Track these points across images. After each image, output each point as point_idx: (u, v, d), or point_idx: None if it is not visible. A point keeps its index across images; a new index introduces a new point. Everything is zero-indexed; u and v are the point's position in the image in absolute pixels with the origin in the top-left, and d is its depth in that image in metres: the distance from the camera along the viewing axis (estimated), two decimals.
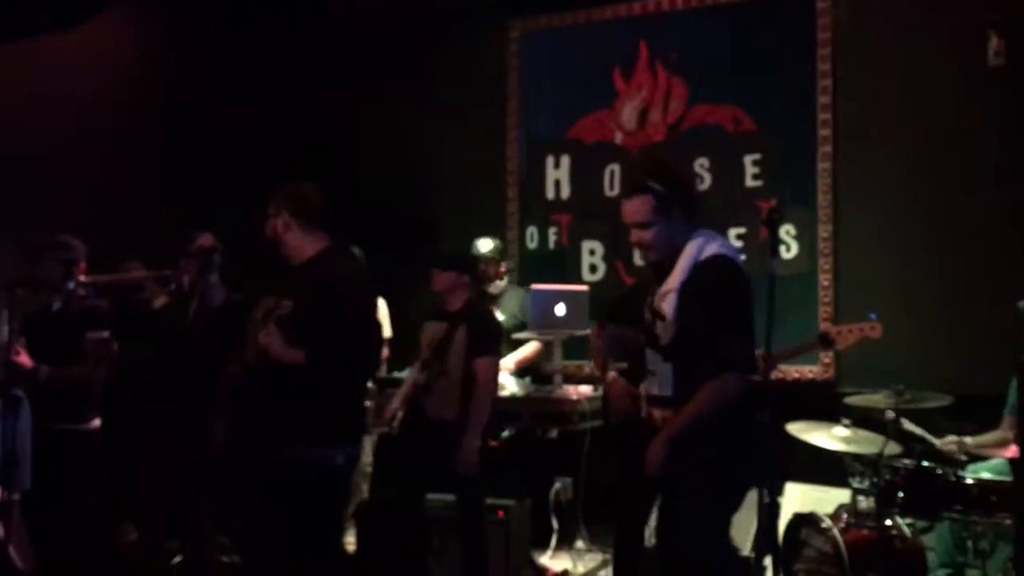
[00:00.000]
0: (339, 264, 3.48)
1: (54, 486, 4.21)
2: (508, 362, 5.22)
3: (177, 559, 4.46)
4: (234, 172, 5.98)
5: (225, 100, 6.29)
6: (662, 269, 3.13)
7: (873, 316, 4.02)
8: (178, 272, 3.74)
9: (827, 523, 4.09)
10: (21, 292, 4.01)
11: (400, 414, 4.53)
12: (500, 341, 4.54)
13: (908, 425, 4.30)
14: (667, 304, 3.02)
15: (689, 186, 3.22)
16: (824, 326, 4.24)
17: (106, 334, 4.25)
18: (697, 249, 3.07)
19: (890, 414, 4.17)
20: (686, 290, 3.01)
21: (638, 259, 5.91)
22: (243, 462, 3.34)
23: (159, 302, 4.03)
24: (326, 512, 3.40)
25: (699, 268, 3.04)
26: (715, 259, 3.05)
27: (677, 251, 3.08)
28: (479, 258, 5.40)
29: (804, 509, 4.46)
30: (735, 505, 3.20)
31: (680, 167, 3.17)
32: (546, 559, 5.20)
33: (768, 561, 3.85)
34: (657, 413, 3.09)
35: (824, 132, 5.51)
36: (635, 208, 3.06)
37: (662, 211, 3.05)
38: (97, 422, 4.36)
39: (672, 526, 3.16)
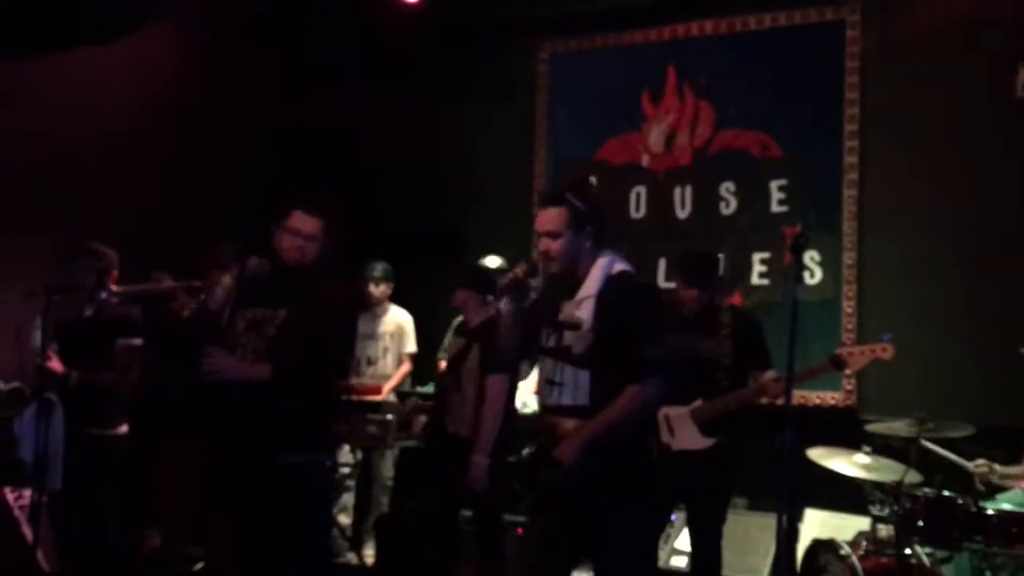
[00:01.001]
0: (325, 274, 3.54)
1: (81, 490, 4.28)
2: (530, 382, 5.24)
3: (199, 565, 4.51)
4: (265, 184, 6.07)
5: (257, 113, 6.39)
6: (564, 284, 3.18)
7: (886, 337, 4.00)
8: (208, 282, 3.80)
9: (846, 550, 4.08)
10: (54, 299, 4.11)
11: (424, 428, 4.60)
12: (512, 359, 4.56)
13: (938, 449, 4.27)
14: (583, 311, 3.06)
15: (603, 212, 3.26)
16: (839, 349, 4.22)
17: (136, 341, 4.33)
18: (608, 265, 3.15)
19: (923, 443, 4.16)
20: (604, 298, 3.07)
21: (662, 280, 5.95)
22: (240, 468, 3.38)
23: (188, 312, 4.10)
24: (319, 515, 3.51)
25: (615, 279, 3.12)
26: (629, 274, 3.20)
27: (578, 267, 3.14)
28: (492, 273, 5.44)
29: (823, 535, 4.46)
30: (652, 519, 3.28)
31: (598, 195, 3.26)
32: None
33: None
34: (568, 423, 3.06)
35: (851, 159, 5.53)
36: (550, 217, 3.12)
37: (574, 225, 3.12)
38: (125, 428, 4.43)
39: (597, 541, 3.10)
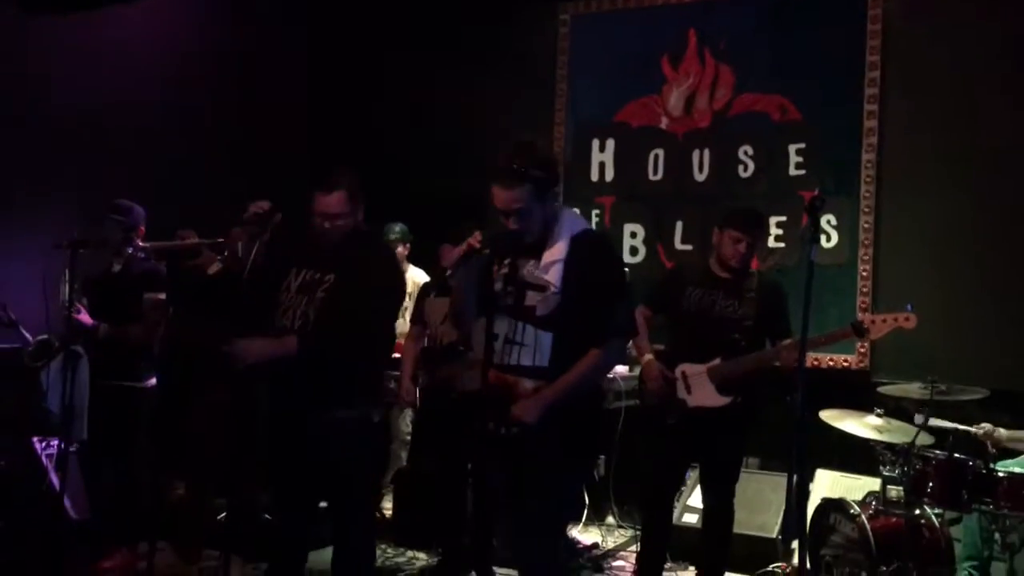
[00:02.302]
0: (374, 238, 3.59)
1: (109, 440, 4.39)
2: None
3: (223, 515, 4.62)
4: (288, 147, 6.12)
5: (279, 77, 6.43)
6: (521, 242, 3.12)
7: (909, 307, 4.02)
8: (231, 239, 3.84)
9: (855, 509, 4.13)
10: (81, 253, 4.17)
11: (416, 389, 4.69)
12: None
13: (937, 422, 4.31)
14: (552, 275, 3.03)
15: (557, 168, 3.23)
16: (860, 315, 4.23)
17: (163, 296, 4.40)
18: (569, 223, 3.13)
19: (919, 418, 4.20)
20: (572, 261, 3.05)
21: (679, 243, 5.99)
22: (290, 422, 3.45)
23: (213, 268, 4.16)
24: (367, 468, 3.59)
25: (581, 242, 3.10)
26: (592, 233, 3.20)
27: (547, 228, 3.12)
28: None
29: (834, 495, 4.51)
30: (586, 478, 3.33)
31: (548, 148, 3.17)
32: (576, 532, 5.31)
33: (795, 544, 3.92)
34: (527, 383, 3.03)
35: (870, 124, 5.52)
36: (514, 197, 3.05)
37: (537, 195, 3.07)
38: (153, 380, 4.52)
39: (528, 494, 3.08)
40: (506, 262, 3.15)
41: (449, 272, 3.43)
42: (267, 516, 4.37)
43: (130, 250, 4.41)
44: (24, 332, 4.51)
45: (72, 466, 4.44)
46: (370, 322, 3.43)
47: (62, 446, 4.22)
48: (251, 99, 6.20)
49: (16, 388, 4.85)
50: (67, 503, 4.63)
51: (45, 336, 4.44)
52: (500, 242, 3.20)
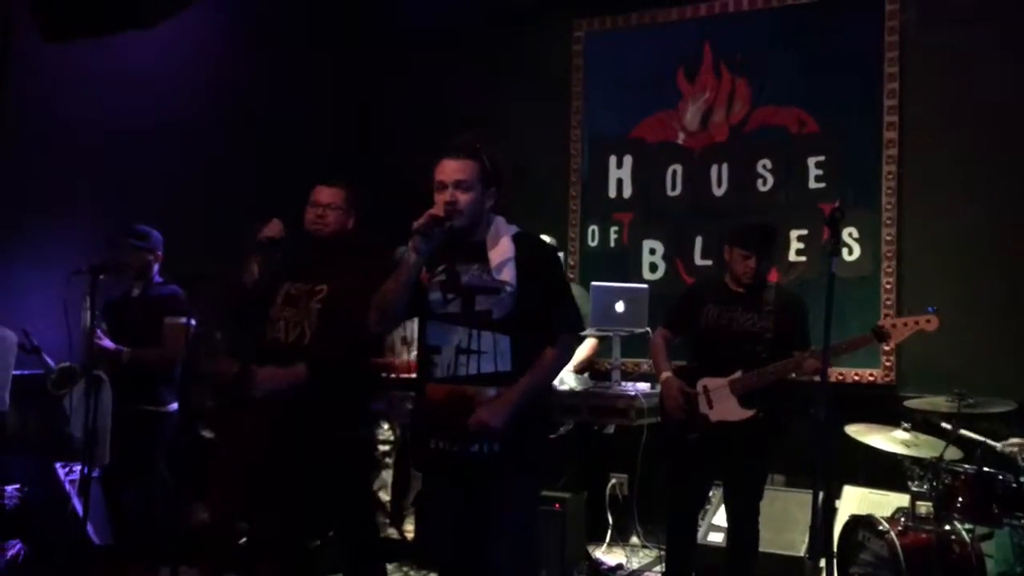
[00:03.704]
0: (372, 248, 3.60)
1: (129, 465, 4.39)
2: (567, 364, 5.28)
3: (244, 540, 4.60)
4: (307, 170, 6.13)
5: (300, 93, 6.47)
6: (456, 246, 3.00)
7: (931, 309, 3.95)
8: (244, 264, 3.87)
9: (884, 526, 4.07)
10: (100, 279, 4.20)
11: None
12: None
13: (967, 433, 4.25)
14: (507, 274, 2.94)
15: (505, 171, 3.10)
16: (881, 321, 4.16)
17: (183, 320, 4.41)
18: (504, 225, 3.06)
19: (946, 426, 4.13)
20: (522, 258, 2.97)
21: (698, 258, 5.95)
22: (293, 444, 3.45)
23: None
24: (366, 485, 3.56)
25: (523, 240, 3.03)
26: (528, 232, 3.12)
27: (477, 226, 3.01)
28: None
29: (862, 512, 4.45)
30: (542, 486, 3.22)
31: (503, 161, 3.10)
32: (601, 553, 5.26)
33: (823, 563, 3.86)
34: (490, 391, 2.91)
35: (890, 135, 5.48)
36: (461, 168, 2.97)
37: (483, 182, 3.00)
38: (174, 405, 4.53)
39: (494, 511, 2.95)
40: (440, 269, 3.01)
41: (407, 247, 2.96)
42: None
43: (150, 274, 4.45)
44: (47, 358, 4.53)
45: (95, 491, 4.45)
46: (361, 337, 3.41)
47: (85, 471, 4.24)
48: (271, 117, 6.23)
49: (39, 413, 4.87)
50: (90, 528, 4.63)
51: (67, 363, 4.46)
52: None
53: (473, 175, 2.99)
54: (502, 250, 2.97)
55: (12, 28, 4.61)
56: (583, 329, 3.15)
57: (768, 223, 4.60)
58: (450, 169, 2.99)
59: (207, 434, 4.80)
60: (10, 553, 4.64)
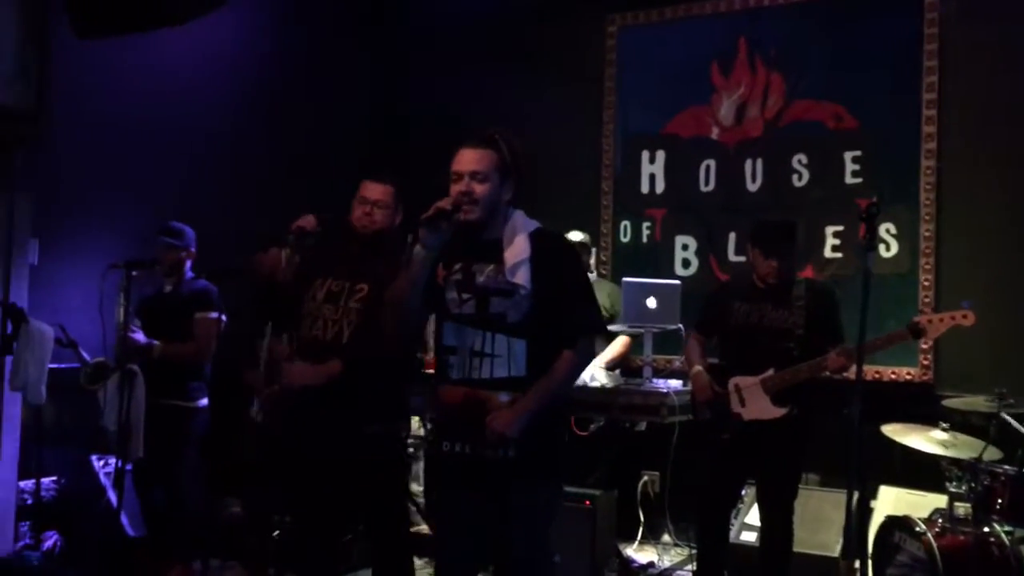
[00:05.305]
0: (398, 247, 3.58)
1: (160, 459, 4.43)
2: (599, 361, 5.27)
3: (277, 532, 4.63)
4: (342, 167, 6.16)
5: (332, 89, 6.50)
6: (472, 244, 2.90)
7: (966, 304, 3.87)
8: (267, 258, 3.88)
9: (921, 527, 4.01)
10: (136, 275, 4.25)
11: None
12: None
13: (1015, 424, 4.16)
14: (521, 276, 2.81)
15: (528, 170, 2.99)
16: (917, 317, 4.07)
17: (214, 315, 4.44)
18: (523, 222, 2.93)
19: (1004, 416, 4.02)
20: (538, 259, 2.84)
21: (732, 255, 5.89)
22: (324, 439, 3.45)
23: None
24: (400, 482, 3.55)
25: (541, 239, 2.90)
26: (549, 229, 2.97)
27: (494, 220, 2.89)
28: None
29: (898, 513, 4.38)
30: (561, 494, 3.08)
31: (527, 150, 2.93)
32: (632, 551, 5.23)
33: (858, 564, 3.81)
34: (502, 396, 2.81)
35: (928, 129, 5.38)
36: (478, 157, 2.86)
37: (501, 172, 2.88)
38: (204, 401, 4.56)
39: (512, 525, 2.86)
40: (456, 267, 2.91)
41: (411, 239, 2.85)
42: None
43: (183, 269, 4.48)
44: (82, 353, 4.58)
45: (129, 484, 4.51)
46: (402, 337, 3.36)
47: (119, 464, 4.29)
48: (300, 114, 6.26)
49: (76, 406, 4.94)
50: (124, 520, 4.69)
51: (101, 358, 4.51)
52: (447, 244, 2.89)
53: (490, 165, 2.87)
54: (517, 250, 2.85)
55: (49, 27, 4.66)
56: (605, 330, 3.04)
57: (787, 220, 4.54)
58: (466, 159, 2.88)
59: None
60: (47, 544, 4.71)
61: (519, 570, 2.91)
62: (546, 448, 2.88)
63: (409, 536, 3.74)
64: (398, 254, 3.43)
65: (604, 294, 5.55)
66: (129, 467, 4.38)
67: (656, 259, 6.11)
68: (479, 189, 2.86)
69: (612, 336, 5.46)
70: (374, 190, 3.52)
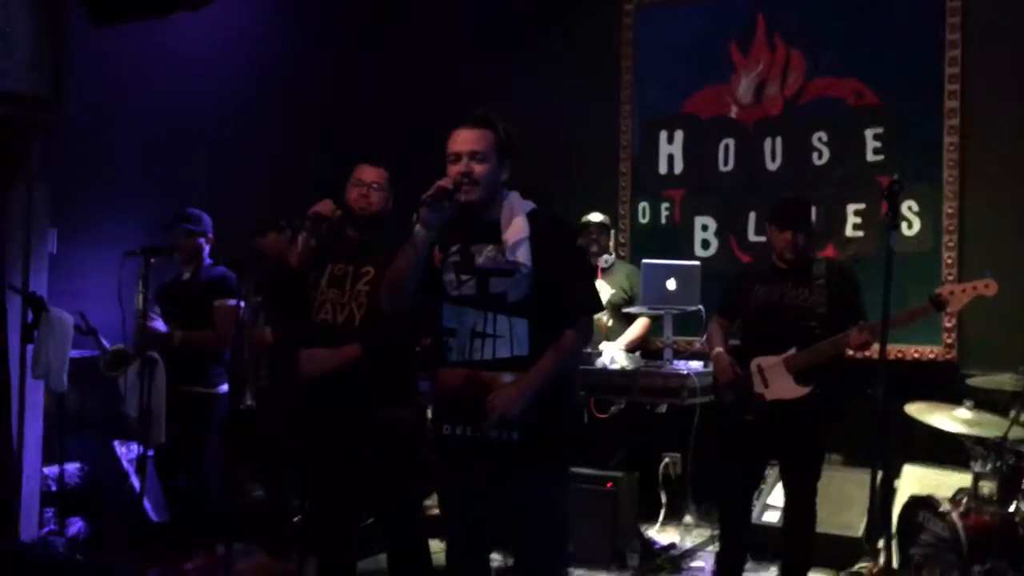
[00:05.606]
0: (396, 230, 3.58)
1: (182, 445, 4.45)
2: (619, 343, 5.25)
3: (298, 517, 4.65)
4: (357, 147, 6.15)
5: (347, 77, 6.47)
6: (469, 226, 2.88)
7: (988, 272, 3.80)
8: (265, 243, 3.89)
9: (946, 507, 3.97)
10: (155, 262, 4.26)
11: None
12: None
13: None
14: (522, 255, 2.79)
15: (521, 152, 2.94)
16: (938, 288, 4.01)
17: (233, 302, 4.45)
18: (519, 202, 2.91)
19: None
20: (537, 238, 2.82)
21: (752, 235, 5.84)
22: (340, 423, 3.45)
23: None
24: (413, 465, 3.54)
25: (539, 218, 2.88)
26: (545, 209, 2.95)
27: (492, 202, 2.87)
28: (589, 226, 5.46)
29: (922, 492, 4.35)
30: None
31: (520, 134, 2.91)
32: (653, 532, 5.22)
33: (881, 543, 3.78)
34: (508, 377, 2.79)
35: (951, 104, 5.30)
36: (476, 137, 2.84)
37: (499, 152, 2.86)
38: (225, 387, 4.57)
39: (518, 505, 2.85)
40: (453, 249, 2.90)
41: (415, 218, 2.81)
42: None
43: (201, 256, 4.49)
44: (103, 340, 4.61)
45: (151, 469, 4.54)
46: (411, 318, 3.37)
47: (141, 450, 4.32)
48: (320, 105, 6.25)
49: (98, 393, 4.97)
50: (147, 505, 4.73)
51: (120, 345, 4.53)
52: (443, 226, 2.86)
53: (488, 145, 2.86)
54: (516, 229, 2.83)
55: (64, 15, 4.66)
56: (602, 308, 3.02)
57: (799, 196, 4.49)
58: (464, 139, 2.86)
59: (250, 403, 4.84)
60: (72, 530, 4.75)
61: (532, 559, 2.90)
62: (551, 432, 2.86)
63: (423, 519, 3.74)
64: (397, 237, 3.43)
65: (623, 276, 5.54)
66: (151, 453, 4.41)
67: (675, 240, 6.07)
68: (478, 169, 2.84)
69: (632, 318, 5.44)
70: (369, 172, 3.57)
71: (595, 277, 3.06)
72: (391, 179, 3.61)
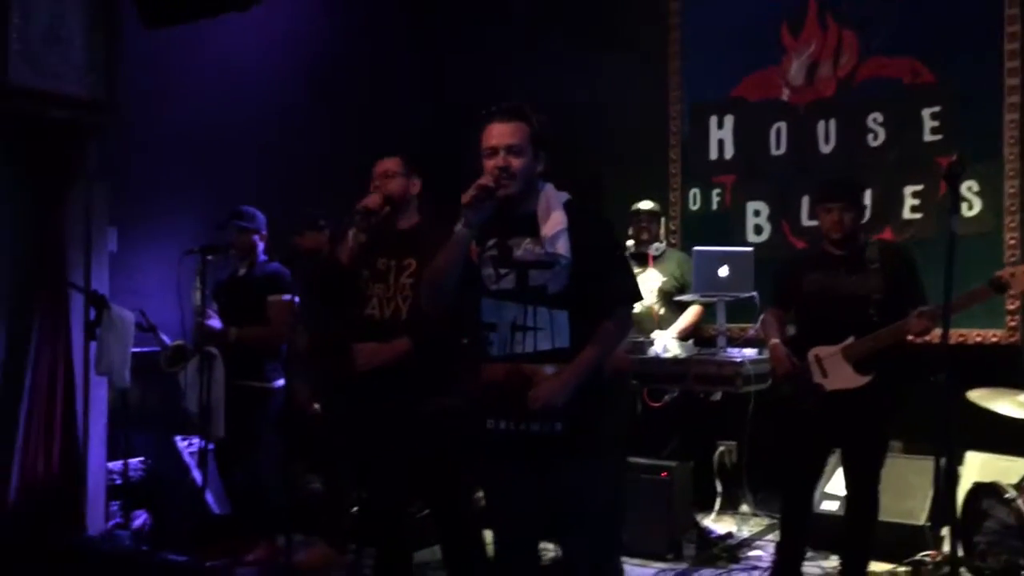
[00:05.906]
0: (442, 221, 3.59)
1: (239, 439, 4.53)
2: (671, 331, 5.22)
3: (355, 509, 4.70)
4: (403, 144, 6.18)
5: (394, 75, 6.50)
6: (505, 219, 2.87)
7: None
8: (305, 240, 3.92)
9: (1011, 493, 3.90)
10: (212, 259, 4.33)
11: None
12: None
13: None
14: (561, 246, 2.79)
15: (553, 145, 2.94)
16: (999, 271, 3.89)
17: (287, 297, 4.50)
18: (555, 194, 2.91)
19: None
20: (575, 229, 2.81)
21: (805, 219, 5.75)
22: (391, 414, 3.48)
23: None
24: (463, 458, 3.55)
25: (575, 209, 2.87)
26: (580, 200, 2.93)
27: (529, 194, 2.87)
28: (640, 214, 5.43)
29: (986, 479, 4.26)
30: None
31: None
32: (710, 521, 5.18)
33: (945, 532, 3.71)
34: (548, 369, 2.79)
35: (1012, 81, 5.16)
36: (511, 131, 2.84)
37: (534, 145, 2.87)
38: (281, 381, 4.64)
39: (564, 498, 2.84)
40: (491, 243, 2.90)
41: (463, 218, 2.82)
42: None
43: (256, 252, 4.55)
44: (163, 336, 4.69)
45: (212, 462, 4.62)
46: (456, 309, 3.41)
47: (202, 444, 4.41)
48: (367, 103, 6.29)
49: (159, 389, 5.07)
50: (209, 497, 4.82)
51: (180, 341, 4.62)
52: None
53: (524, 138, 2.86)
54: (555, 221, 2.82)
55: (117, 17, 4.74)
56: (640, 299, 3.02)
57: (847, 174, 4.36)
58: (500, 133, 2.86)
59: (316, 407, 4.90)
60: (137, 523, 4.86)
61: (578, 550, 2.90)
62: (596, 424, 2.86)
63: (476, 510, 3.76)
64: (434, 227, 3.44)
65: (674, 264, 5.50)
66: (212, 447, 4.50)
67: (727, 226, 6.00)
68: (516, 163, 2.84)
69: (684, 306, 5.40)
70: (381, 165, 3.65)
71: (631, 267, 3.03)
72: (406, 163, 3.67)
